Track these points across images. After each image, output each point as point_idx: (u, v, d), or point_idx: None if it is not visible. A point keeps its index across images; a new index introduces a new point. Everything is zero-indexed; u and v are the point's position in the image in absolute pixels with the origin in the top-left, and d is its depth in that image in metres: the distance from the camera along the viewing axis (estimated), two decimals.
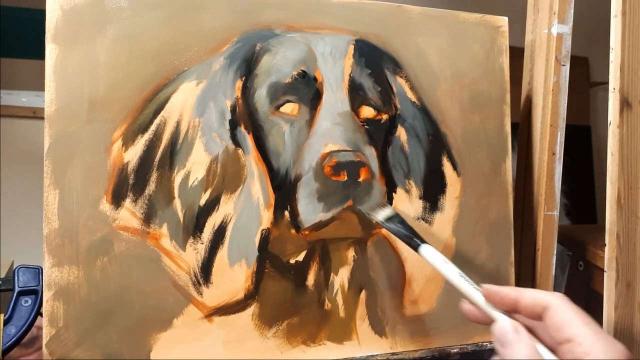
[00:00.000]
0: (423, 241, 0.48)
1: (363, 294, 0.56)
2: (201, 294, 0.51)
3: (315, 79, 0.55)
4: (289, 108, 0.54)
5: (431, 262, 0.46)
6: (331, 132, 0.54)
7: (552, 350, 0.37)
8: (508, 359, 0.37)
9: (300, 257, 0.54)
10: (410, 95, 0.59)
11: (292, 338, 0.53)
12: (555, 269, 0.69)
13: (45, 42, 0.48)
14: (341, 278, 0.55)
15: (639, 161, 0.60)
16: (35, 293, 0.49)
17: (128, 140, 0.50)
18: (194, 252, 0.51)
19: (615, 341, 0.36)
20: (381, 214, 0.53)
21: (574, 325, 0.36)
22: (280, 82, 0.54)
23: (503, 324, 0.39)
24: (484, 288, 0.42)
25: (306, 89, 0.55)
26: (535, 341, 0.38)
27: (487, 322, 0.42)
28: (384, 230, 0.56)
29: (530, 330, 0.39)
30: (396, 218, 0.53)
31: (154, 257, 0.50)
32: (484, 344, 0.60)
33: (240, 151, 0.53)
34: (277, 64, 0.55)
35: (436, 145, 0.60)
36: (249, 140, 0.53)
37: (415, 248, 0.48)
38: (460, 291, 0.43)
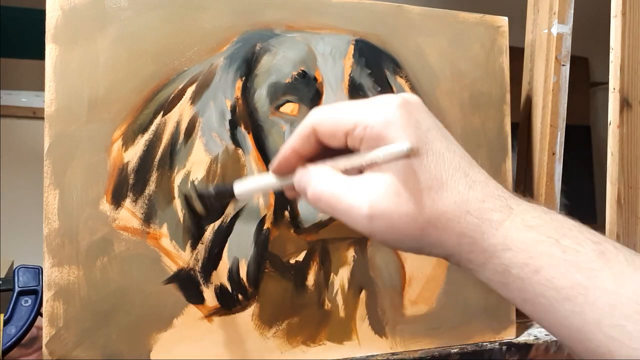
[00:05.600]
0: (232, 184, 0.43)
1: (363, 294, 0.56)
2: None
3: (315, 79, 0.55)
4: (289, 108, 0.54)
5: (248, 191, 0.42)
6: None
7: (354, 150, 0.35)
8: (310, 193, 0.34)
9: (300, 257, 0.54)
10: None
11: (292, 338, 0.53)
12: None
13: (45, 42, 0.48)
14: (341, 278, 0.55)
15: (639, 161, 0.60)
16: (35, 293, 0.49)
17: (128, 140, 0.50)
18: (194, 252, 0.51)
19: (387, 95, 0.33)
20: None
21: (343, 107, 0.34)
22: (280, 82, 0.54)
23: (296, 174, 0.36)
24: (271, 167, 0.38)
25: (306, 89, 0.55)
26: (324, 163, 0.35)
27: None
28: None
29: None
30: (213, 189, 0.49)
31: (154, 257, 0.50)
32: (484, 344, 0.60)
33: (240, 151, 0.53)
34: (277, 64, 0.55)
35: None
36: (249, 140, 0.53)
37: (232, 193, 0.42)
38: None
